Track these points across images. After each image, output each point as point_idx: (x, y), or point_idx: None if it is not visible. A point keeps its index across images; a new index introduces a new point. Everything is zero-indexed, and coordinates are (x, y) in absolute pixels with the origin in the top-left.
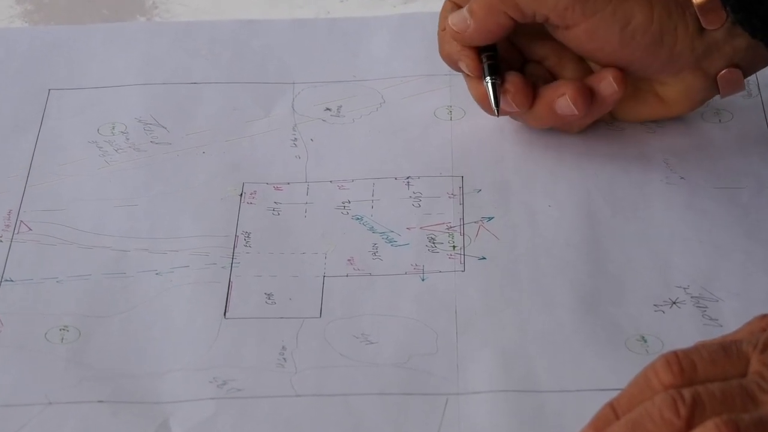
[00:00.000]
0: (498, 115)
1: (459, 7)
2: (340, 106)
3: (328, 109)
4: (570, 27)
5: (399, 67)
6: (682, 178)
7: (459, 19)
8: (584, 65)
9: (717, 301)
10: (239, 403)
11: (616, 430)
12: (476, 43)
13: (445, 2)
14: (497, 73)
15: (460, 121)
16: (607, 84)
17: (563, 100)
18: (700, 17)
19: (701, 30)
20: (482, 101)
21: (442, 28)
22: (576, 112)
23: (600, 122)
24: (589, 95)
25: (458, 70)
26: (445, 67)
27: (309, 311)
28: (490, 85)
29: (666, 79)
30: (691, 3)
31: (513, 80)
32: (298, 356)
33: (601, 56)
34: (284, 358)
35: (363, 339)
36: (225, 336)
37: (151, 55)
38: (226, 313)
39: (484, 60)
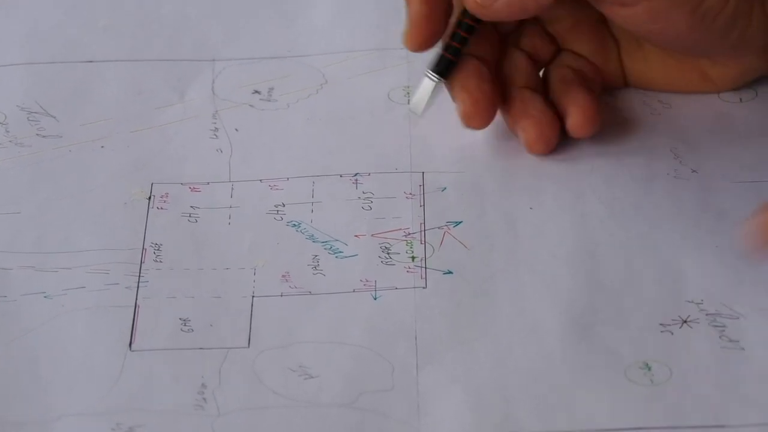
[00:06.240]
0: (419, 114)
1: None
2: (272, 88)
3: (256, 91)
4: (628, 4)
5: (345, 40)
6: (693, 171)
7: None
8: (600, 37)
9: (738, 318)
10: None
11: None
12: (490, 19)
13: None
14: (450, 69)
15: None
16: (574, 126)
17: (520, 133)
18: None
19: None
20: (413, 27)
21: None
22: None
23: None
24: (552, 138)
25: None
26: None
27: (235, 340)
28: (425, 81)
29: (724, 61)
30: None
31: (471, 86)
32: (222, 395)
33: (661, 39)
34: (204, 398)
35: (302, 373)
36: (131, 372)
37: (36, 28)
38: (132, 344)
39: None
